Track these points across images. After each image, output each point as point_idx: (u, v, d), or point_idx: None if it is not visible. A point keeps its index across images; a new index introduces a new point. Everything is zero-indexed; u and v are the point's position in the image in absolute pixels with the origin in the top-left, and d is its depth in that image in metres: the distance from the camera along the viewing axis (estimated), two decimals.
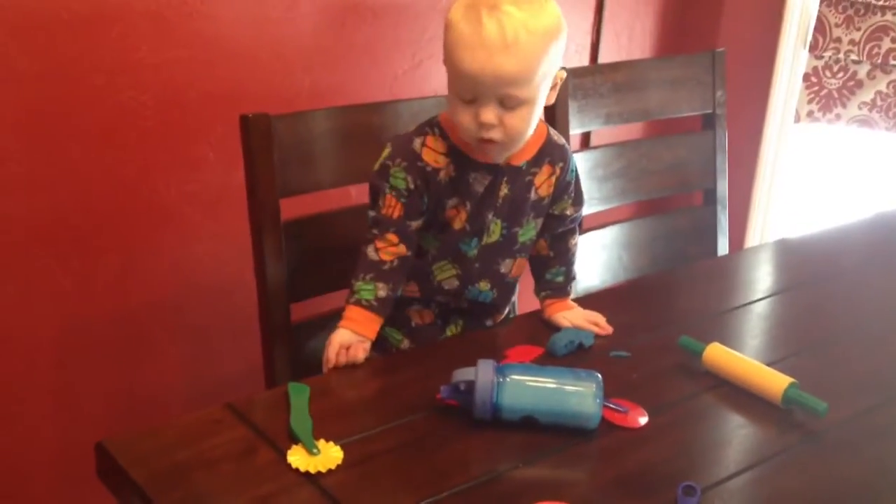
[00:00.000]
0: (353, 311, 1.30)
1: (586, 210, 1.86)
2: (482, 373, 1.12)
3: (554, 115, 1.79)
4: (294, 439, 1.07)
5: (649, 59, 2.52)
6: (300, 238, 1.48)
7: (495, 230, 1.37)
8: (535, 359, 1.30)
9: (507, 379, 1.12)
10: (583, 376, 1.15)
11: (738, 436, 1.18)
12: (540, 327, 1.41)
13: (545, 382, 1.14)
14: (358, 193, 1.99)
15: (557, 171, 1.39)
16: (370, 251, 1.32)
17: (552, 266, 1.45)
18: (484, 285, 1.40)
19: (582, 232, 1.88)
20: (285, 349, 1.47)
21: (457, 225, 1.35)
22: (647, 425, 1.16)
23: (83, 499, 1.81)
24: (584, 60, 2.54)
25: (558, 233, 1.44)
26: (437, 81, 2.20)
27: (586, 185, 1.86)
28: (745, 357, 1.28)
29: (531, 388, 1.13)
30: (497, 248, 1.39)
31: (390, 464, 1.06)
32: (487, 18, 1.18)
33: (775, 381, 1.22)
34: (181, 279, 1.93)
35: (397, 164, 1.31)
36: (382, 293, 1.31)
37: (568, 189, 1.42)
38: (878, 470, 1.12)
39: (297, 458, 1.04)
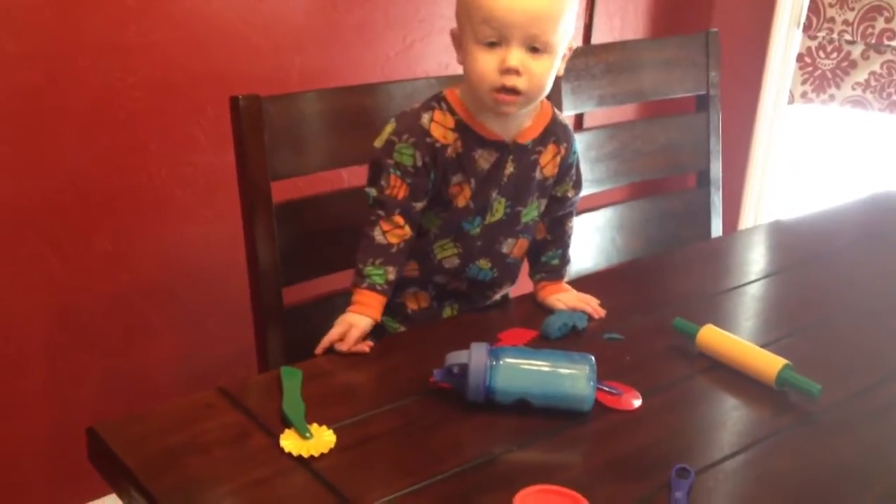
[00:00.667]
0: (365, 296, 1.28)
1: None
2: (475, 356, 1.11)
3: (548, 97, 1.77)
4: (286, 423, 1.07)
5: (642, 40, 2.51)
6: (292, 221, 1.47)
7: (499, 209, 1.35)
8: (528, 342, 1.29)
9: (501, 362, 1.12)
10: (576, 359, 1.14)
11: (731, 418, 1.18)
12: (533, 310, 1.41)
13: (538, 365, 1.13)
14: (350, 177, 1.99)
15: (562, 150, 1.38)
16: (377, 234, 1.29)
17: (549, 249, 1.44)
18: (484, 263, 1.39)
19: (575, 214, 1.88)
20: (278, 333, 1.46)
21: (460, 202, 1.33)
22: (640, 408, 1.16)
23: (77, 484, 1.81)
24: (577, 42, 2.52)
25: (557, 216, 1.44)
26: (429, 63, 2.19)
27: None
28: (738, 339, 1.28)
29: (524, 370, 1.13)
30: (500, 227, 1.37)
31: (383, 447, 1.06)
32: None
33: (769, 363, 1.21)
34: (173, 263, 1.92)
35: (404, 140, 1.28)
36: (392, 276, 1.30)
37: (570, 171, 1.41)
38: (872, 451, 1.12)
39: (290, 442, 1.03)
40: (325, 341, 1.25)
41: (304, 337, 1.48)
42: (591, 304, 1.39)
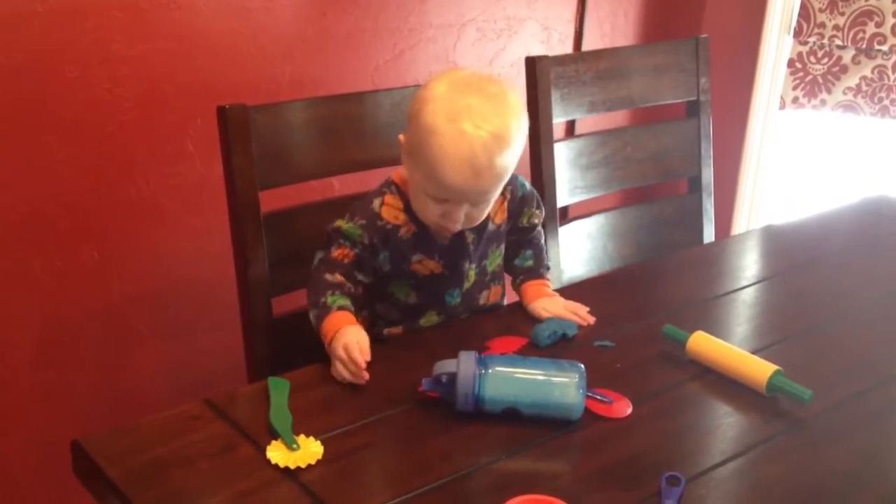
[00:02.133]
0: (338, 316, 1.25)
1: (571, 199, 1.86)
2: (464, 364, 1.11)
3: (537, 105, 1.77)
4: (274, 435, 1.06)
5: (632, 47, 2.50)
6: (280, 231, 1.46)
7: (471, 275, 1.40)
8: (518, 350, 1.29)
9: (489, 370, 1.11)
10: (566, 367, 1.13)
11: (722, 424, 1.17)
12: (522, 318, 1.40)
13: (528, 374, 1.13)
14: (341, 185, 1.98)
15: (508, 194, 1.41)
16: (326, 276, 1.29)
17: (519, 252, 1.45)
18: (464, 314, 1.42)
19: (567, 221, 1.87)
20: (267, 343, 1.46)
21: (424, 271, 1.36)
22: (630, 415, 1.15)
23: (64, 497, 1.80)
24: (568, 49, 2.52)
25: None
26: (418, 71, 2.18)
27: (570, 174, 1.85)
28: (729, 345, 1.27)
29: (513, 379, 1.12)
30: (475, 288, 1.41)
31: (371, 458, 1.05)
32: (474, 137, 1.20)
33: (760, 369, 1.21)
34: (162, 274, 1.91)
35: (355, 222, 1.32)
36: (350, 302, 1.28)
37: (524, 205, 1.43)
38: (864, 457, 1.11)
39: (277, 453, 1.03)
40: (353, 370, 1.18)
41: (293, 347, 1.48)
42: (579, 313, 1.38)
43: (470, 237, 1.36)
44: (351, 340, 1.18)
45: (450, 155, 1.21)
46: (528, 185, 1.44)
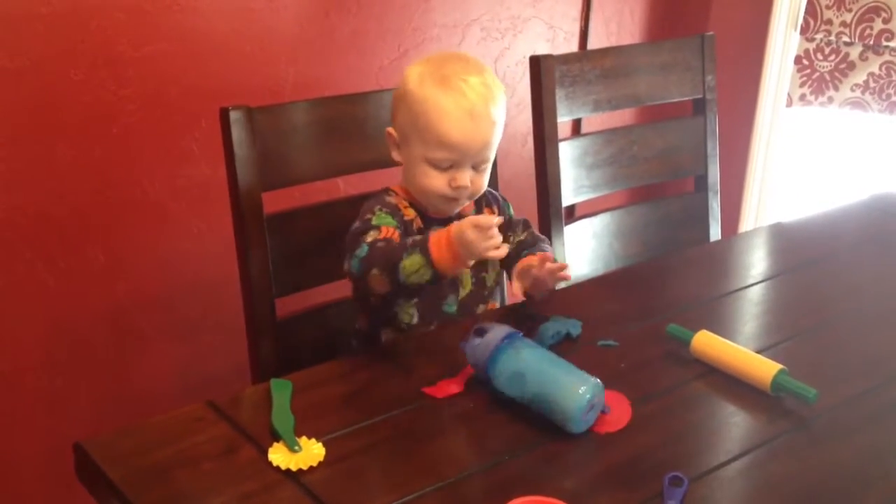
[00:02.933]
0: (433, 235, 1.21)
1: (577, 198, 1.86)
2: (496, 330, 1.14)
3: (542, 103, 1.77)
4: (275, 436, 1.06)
5: (638, 45, 2.49)
6: (284, 232, 1.46)
7: (466, 282, 1.40)
8: None
9: (512, 344, 1.13)
10: (585, 378, 1.10)
11: (727, 424, 1.17)
12: (522, 319, 1.39)
13: (544, 365, 1.12)
14: (346, 186, 1.98)
15: (495, 211, 1.45)
16: (381, 245, 1.26)
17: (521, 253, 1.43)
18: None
19: (572, 220, 1.87)
20: (271, 344, 1.45)
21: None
22: (634, 415, 1.14)
23: (69, 500, 1.80)
24: (573, 48, 2.52)
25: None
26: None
27: (576, 173, 1.85)
28: (733, 344, 1.27)
29: (528, 363, 1.11)
30: (472, 299, 1.42)
31: (373, 460, 1.05)
32: (467, 89, 1.28)
33: (764, 368, 1.20)
34: (167, 276, 1.91)
35: (379, 211, 1.33)
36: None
37: (512, 224, 1.46)
38: (869, 456, 1.10)
39: (279, 455, 1.02)
40: (493, 246, 1.18)
41: (296, 348, 1.48)
42: (553, 269, 1.31)
43: None
44: (465, 220, 1.17)
45: (450, 110, 1.28)
46: (511, 211, 1.48)
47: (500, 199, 1.48)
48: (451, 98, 1.28)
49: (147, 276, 1.89)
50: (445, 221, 1.34)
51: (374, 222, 1.31)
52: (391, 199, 1.36)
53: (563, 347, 1.30)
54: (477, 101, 1.28)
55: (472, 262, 1.23)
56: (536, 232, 1.50)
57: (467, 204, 1.40)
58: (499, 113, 1.32)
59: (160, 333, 1.93)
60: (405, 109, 1.33)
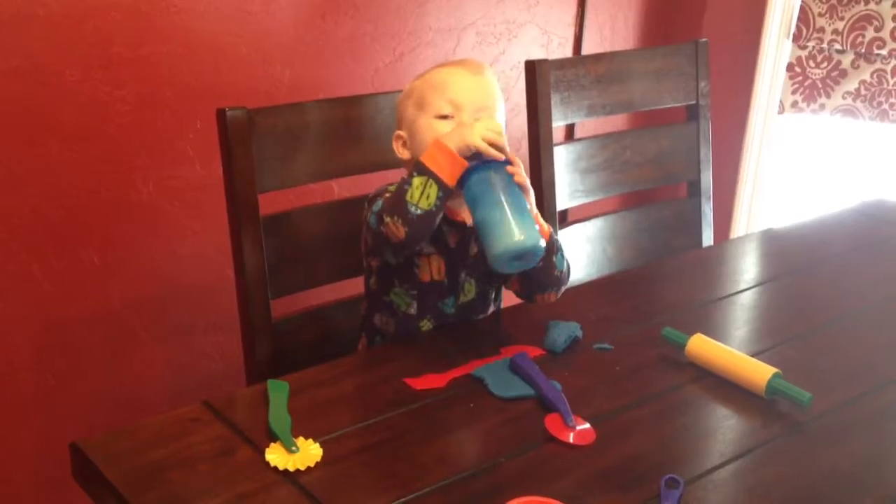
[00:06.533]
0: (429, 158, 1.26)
1: (571, 202, 1.86)
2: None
3: (537, 108, 1.77)
4: (273, 437, 1.06)
5: (632, 50, 2.50)
6: (279, 234, 1.46)
7: (470, 290, 1.40)
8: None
9: (494, 169, 1.24)
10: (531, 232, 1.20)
11: (721, 427, 1.17)
12: (521, 323, 1.39)
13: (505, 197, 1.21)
14: (340, 189, 1.98)
15: None
16: (388, 195, 1.29)
17: None
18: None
19: (566, 225, 1.87)
20: (266, 346, 1.45)
21: (425, 277, 1.36)
22: (629, 417, 1.15)
23: (64, 501, 1.79)
24: (568, 53, 2.52)
25: None
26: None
27: (570, 178, 1.86)
28: (728, 348, 1.27)
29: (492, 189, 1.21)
30: (472, 306, 1.41)
31: (370, 461, 1.05)
32: (462, 60, 1.40)
33: (758, 372, 1.21)
34: (162, 277, 1.91)
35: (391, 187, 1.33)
36: None
37: None
38: (863, 460, 1.11)
39: (276, 456, 1.02)
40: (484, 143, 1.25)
41: (292, 350, 1.48)
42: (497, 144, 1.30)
43: (474, 248, 1.37)
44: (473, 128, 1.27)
45: (451, 72, 1.36)
46: None
47: None
48: (451, 66, 1.38)
49: (142, 277, 1.88)
50: (460, 225, 1.36)
51: (390, 189, 1.32)
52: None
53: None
54: (473, 62, 1.39)
55: (470, 154, 1.24)
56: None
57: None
58: (495, 80, 1.38)
59: (154, 334, 1.93)
60: (410, 103, 1.37)
